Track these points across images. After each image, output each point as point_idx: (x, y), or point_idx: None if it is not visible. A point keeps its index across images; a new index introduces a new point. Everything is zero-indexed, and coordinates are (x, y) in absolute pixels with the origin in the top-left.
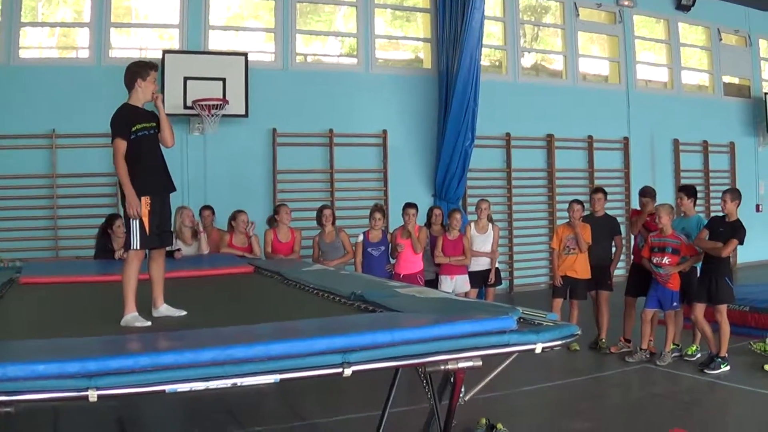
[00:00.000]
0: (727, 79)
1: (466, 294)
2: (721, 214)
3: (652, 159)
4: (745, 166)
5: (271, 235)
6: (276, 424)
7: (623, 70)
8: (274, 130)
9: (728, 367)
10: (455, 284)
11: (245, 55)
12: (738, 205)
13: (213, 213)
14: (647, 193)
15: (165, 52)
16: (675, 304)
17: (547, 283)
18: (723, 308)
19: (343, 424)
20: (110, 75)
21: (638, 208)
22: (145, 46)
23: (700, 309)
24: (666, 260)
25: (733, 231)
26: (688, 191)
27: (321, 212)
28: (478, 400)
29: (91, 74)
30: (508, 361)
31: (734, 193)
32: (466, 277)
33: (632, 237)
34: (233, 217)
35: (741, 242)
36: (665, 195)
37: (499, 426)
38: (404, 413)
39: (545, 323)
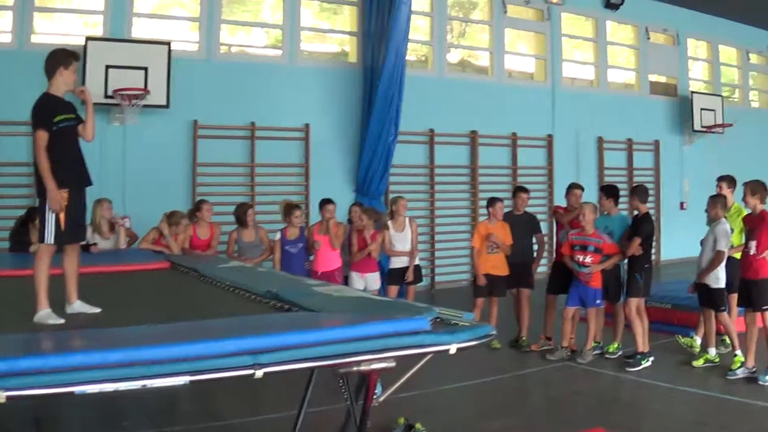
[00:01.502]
0: (654, 77)
1: (387, 293)
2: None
3: (577, 156)
4: (670, 165)
5: (191, 231)
6: (193, 424)
7: (549, 67)
8: (195, 122)
9: (649, 363)
10: (366, 282)
11: (168, 44)
12: (643, 201)
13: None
14: (580, 186)
15: (88, 39)
16: (598, 301)
17: (468, 281)
18: (631, 303)
19: (260, 425)
20: (32, 61)
21: (562, 204)
22: (69, 32)
23: (627, 304)
24: (588, 259)
25: (636, 227)
26: (608, 191)
27: (244, 211)
28: (398, 400)
29: (12, 59)
30: (422, 362)
31: (638, 190)
32: (377, 274)
33: (554, 234)
34: (197, 207)
35: (645, 238)
36: (589, 193)
37: (418, 426)
38: (323, 413)
39: (461, 323)
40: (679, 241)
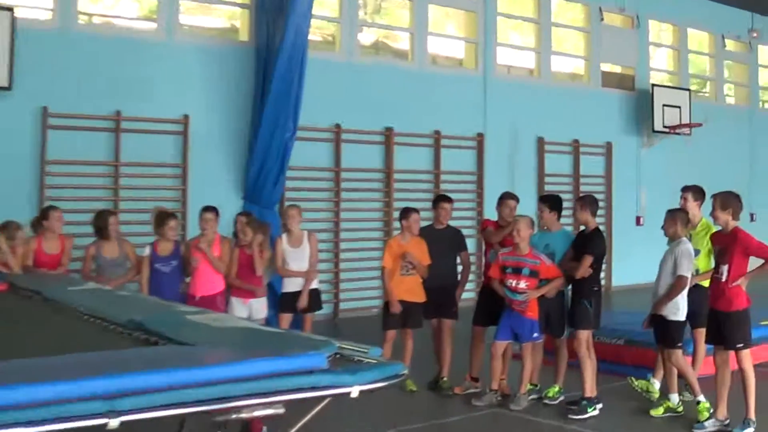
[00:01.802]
0: (607, 67)
1: (278, 322)
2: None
3: (512, 160)
4: (625, 171)
5: (35, 244)
6: None
7: (481, 52)
8: (45, 108)
9: (596, 411)
10: (250, 309)
11: (11, 10)
12: (592, 213)
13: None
14: (515, 197)
15: None
16: (535, 335)
17: (379, 308)
18: (580, 336)
19: None
20: None
21: (492, 218)
22: None
23: (580, 338)
24: (522, 284)
25: (586, 244)
26: (551, 202)
27: (105, 220)
28: None
29: None
30: (318, 407)
31: (586, 200)
32: (264, 300)
33: (483, 254)
34: (43, 215)
35: (597, 256)
36: (525, 204)
37: None
38: None
39: (367, 360)
40: (633, 263)
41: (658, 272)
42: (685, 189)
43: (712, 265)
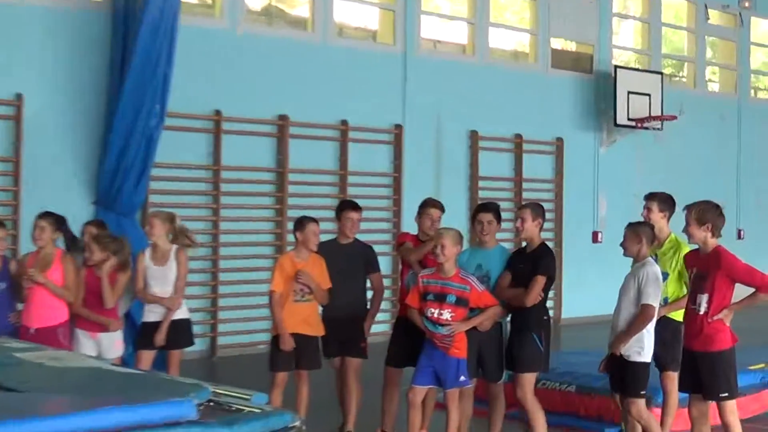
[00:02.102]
0: (558, 43)
1: (136, 361)
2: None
3: (437, 159)
4: (579, 175)
5: None
6: None
7: (400, 23)
8: None
9: None
10: (99, 346)
11: None
12: (540, 226)
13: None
14: (439, 205)
15: None
16: (462, 379)
17: (267, 344)
18: (524, 381)
19: None
20: None
21: (412, 232)
22: None
23: (519, 382)
24: (447, 314)
25: (535, 264)
26: (489, 210)
27: None
28: None
29: None
30: None
31: (535, 209)
32: (118, 334)
33: (399, 276)
34: None
35: (550, 277)
36: (453, 214)
37: None
38: None
39: (248, 409)
40: (589, 290)
41: (617, 301)
42: (650, 197)
43: (685, 292)
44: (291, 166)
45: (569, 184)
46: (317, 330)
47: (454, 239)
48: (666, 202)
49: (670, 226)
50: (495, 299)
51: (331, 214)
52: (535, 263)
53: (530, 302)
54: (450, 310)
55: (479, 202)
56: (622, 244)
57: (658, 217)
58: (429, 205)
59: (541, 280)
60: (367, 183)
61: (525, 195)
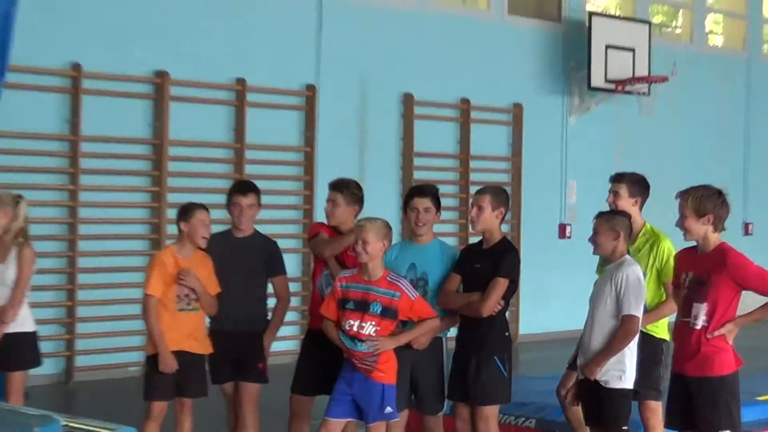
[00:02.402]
0: None
1: None
2: (478, 238)
3: (361, 130)
4: (542, 151)
5: None
6: None
7: None
8: None
9: None
10: None
11: None
12: (502, 217)
13: None
14: (427, 193)
15: None
16: (389, 410)
17: (143, 365)
18: (491, 414)
19: None
20: None
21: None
22: None
23: (460, 413)
24: (370, 327)
25: (495, 263)
26: (425, 194)
27: None
28: None
29: None
30: None
31: (497, 196)
32: None
33: (311, 278)
34: None
35: (513, 280)
36: (381, 201)
37: None
38: None
39: None
40: (554, 299)
41: (589, 312)
42: (617, 179)
43: (662, 297)
44: (171, 136)
45: (530, 164)
46: (205, 347)
47: (380, 232)
48: (638, 184)
49: (641, 215)
50: (432, 309)
51: (224, 199)
52: (495, 262)
53: (487, 311)
54: (374, 323)
55: (413, 185)
56: (592, 239)
57: (628, 204)
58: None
59: (502, 284)
60: (271, 159)
61: (473, 177)
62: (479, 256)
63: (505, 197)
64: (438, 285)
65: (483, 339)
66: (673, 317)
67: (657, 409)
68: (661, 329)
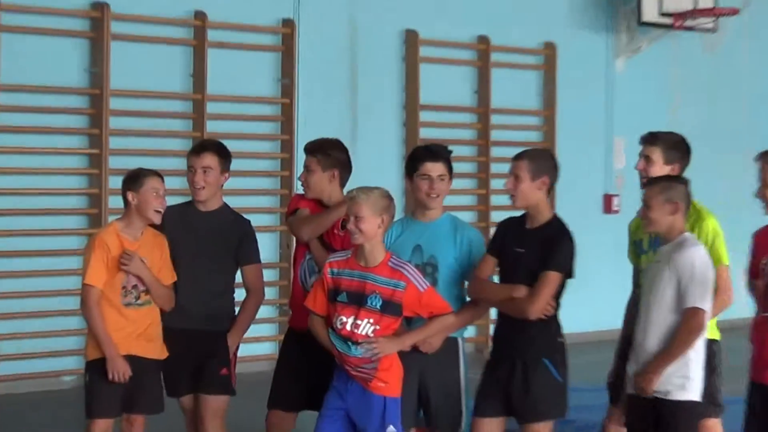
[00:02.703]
0: None
1: None
2: (518, 213)
3: (351, 77)
4: (582, 103)
5: None
6: None
7: None
8: None
9: None
10: None
11: None
12: (547, 188)
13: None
14: (439, 156)
15: None
16: (391, 430)
17: (83, 374)
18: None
19: None
20: None
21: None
22: None
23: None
24: (367, 326)
25: (545, 250)
26: (438, 157)
27: None
28: None
29: None
30: None
31: (538, 161)
32: None
33: (291, 264)
34: None
35: (569, 273)
36: (380, 165)
37: None
38: None
39: None
40: (598, 290)
41: (641, 305)
42: (650, 139)
43: (731, 290)
44: (113, 85)
45: (566, 119)
46: (160, 350)
47: (377, 204)
48: (675, 147)
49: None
50: (445, 302)
51: (183, 164)
52: (544, 250)
53: (536, 312)
54: (372, 320)
55: (420, 145)
56: (642, 213)
57: (662, 173)
58: (423, 156)
59: (554, 279)
60: (239, 114)
61: (494, 135)
62: (523, 238)
63: (548, 163)
64: (451, 272)
65: (529, 341)
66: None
67: (716, 429)
68: (711, 328)
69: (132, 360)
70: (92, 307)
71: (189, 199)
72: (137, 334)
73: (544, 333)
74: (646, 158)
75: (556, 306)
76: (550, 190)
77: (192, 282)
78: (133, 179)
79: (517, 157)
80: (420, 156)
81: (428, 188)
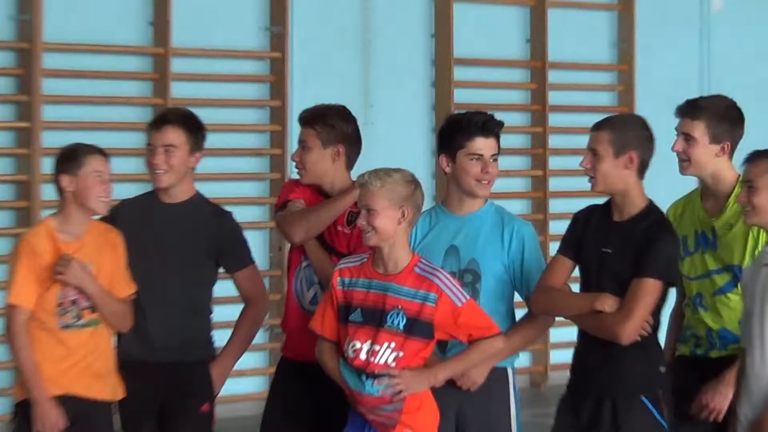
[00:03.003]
0: None
1: None
2: (600, 200)
3: (365, 20)
4: (667, 54)
5: None
6: None
7: None
8: None
9: None
10: None
11: None
12: (636, 168)
13: None
14: (491, 129)
15: None
16: None
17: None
18: None
19: None
20: None
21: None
22: None
23: None
24: (387, 353)
25: (638, 248)
26: (490, 131)
27: None
28: None
29: None
30: None
31: (619, 130)
32: None
33: (286, 274)
34: None
35: (671, 281)
36: (405, 139)
37: None
38: None
39: None
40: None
41: (746, 325)
42: (689, 111)
43: None
44: (46, 37)
45: (647, 76)
46: (111, 388)
47: (395, 193)
48: (725, 120)
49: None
50: (491, 321)
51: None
52: (637, 248)
53: (630, 333)
54: (394, 344)
55: (463, 113)
56: (743, 198)
57: (707, 155)
58: (472, 129)
59: (653, 289)
60: (214, 73)
61: (552, 98)
62: (608, 234)
63: (637, 134)
64: (497, 281)
65: (621, 372)
66: None
67: None
68: None
69: (73, 402)
70: (17, 333)
71: (150, 188)
72: (81, 367)
73: (640, 361)
74: (685, 137)
75: (656, 324)
76: (643, 171)
77: (156, 298)
78: (69, 159)
79: (596, 127)
80: (468, 128)
81: (481, 171)
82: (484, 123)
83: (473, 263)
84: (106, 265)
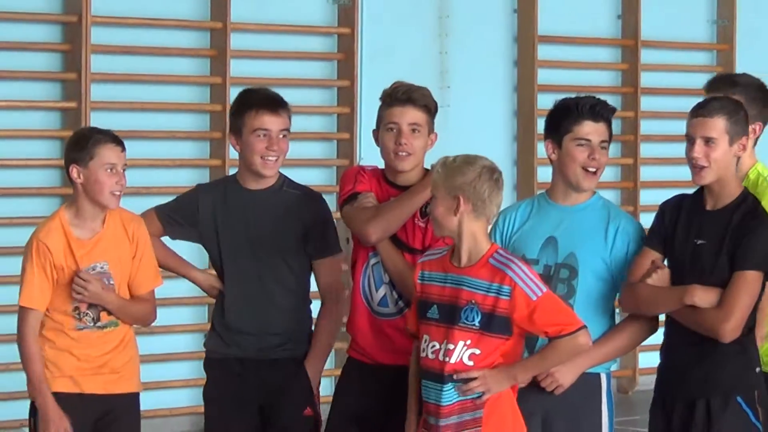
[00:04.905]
0: None
1: None
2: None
3: None
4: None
5: None
6: None
7: None
8: None
9: None
10: None
11: None
12: (743, 152)
13: None
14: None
15: None
16: None
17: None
18: None
19: None
20: None
21: (374, 164)
22: None
23: None
24: (462, 351)
25: (736, 237)
26: (600, 115)
27: None
28: None
29: None
30: None
31: (733, 114)
32: None
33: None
34: None
35: None
36: (484, 122)
37: None
38: None
39: None
40: None
41: None
42: (709, 107)
43: None
44: (94, 10)
45: (749, 55)
46: (135, 383)
47: (454, 180)
48: (757, 100)
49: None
50: (577, 317)
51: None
52: (735, 238)
53: (732, 330)
54: (470, 342)
55: (574, 97)
56: None
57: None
58: (579, 113)
59: (753, 282)
60: (275, 51)
61: (645, 80)
62: (702, 224)
63: (751, 113)
64: (596, 278)
65: (715, 371)
66: None
67: None
68: None
69: (94, 399)
70: (27, 337)
71: (225, 174)
72: (99, 364)
73: (736, 360)
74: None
75: (753, 321)
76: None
77: (250, 293)
78: (79, 147)
79: (710, 112)
80: (576, 111)
81: (588, 157)
82: (594, 106)
83: (571, 258)
84: (125, 259)
